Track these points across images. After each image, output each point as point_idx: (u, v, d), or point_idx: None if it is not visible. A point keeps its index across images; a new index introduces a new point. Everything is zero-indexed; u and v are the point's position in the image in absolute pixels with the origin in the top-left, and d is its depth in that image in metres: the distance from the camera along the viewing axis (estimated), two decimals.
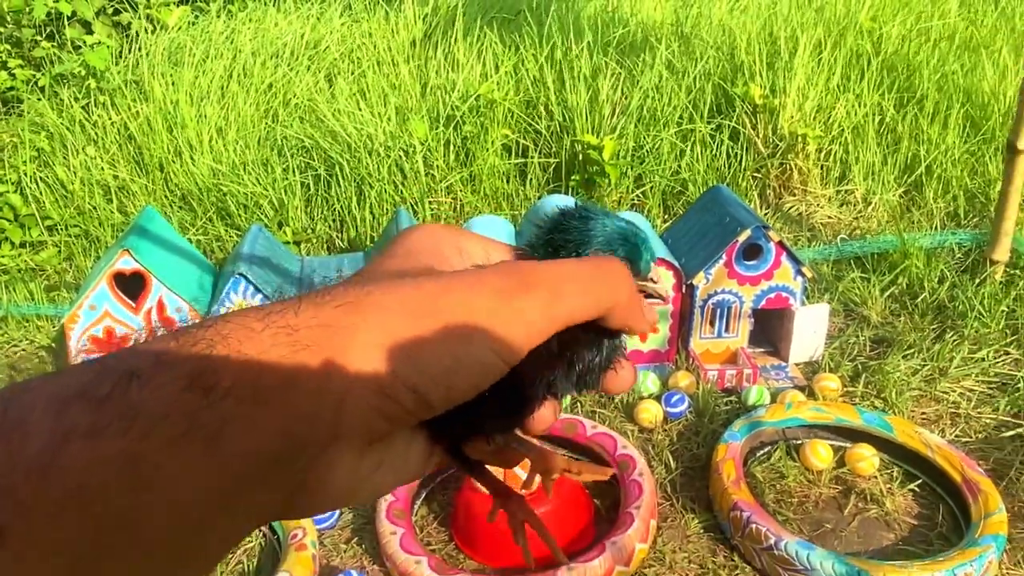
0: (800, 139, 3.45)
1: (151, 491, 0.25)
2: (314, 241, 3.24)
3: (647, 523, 1.87)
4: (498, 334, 0.32)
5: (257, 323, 0.29)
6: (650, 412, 2.30)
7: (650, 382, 2.44)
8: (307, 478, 0.30)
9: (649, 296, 0.42)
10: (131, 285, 2.32)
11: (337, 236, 3.26)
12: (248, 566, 1.94)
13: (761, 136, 3.51)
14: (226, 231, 3.25)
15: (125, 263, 2.28)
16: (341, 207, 3.24)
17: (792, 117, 3.49)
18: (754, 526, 1.82)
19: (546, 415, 0.38)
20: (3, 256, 3.18)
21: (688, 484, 2.10)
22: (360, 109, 3.46)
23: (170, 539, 0.26)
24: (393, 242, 0.36)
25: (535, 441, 0.40)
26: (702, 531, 1.96)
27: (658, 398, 2.37)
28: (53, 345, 2.77)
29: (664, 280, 0.39)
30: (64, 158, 3.43)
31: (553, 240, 0.40)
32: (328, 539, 1.99)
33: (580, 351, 0.38)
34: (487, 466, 0.40)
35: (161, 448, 0.25)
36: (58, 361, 2.68)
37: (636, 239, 0.40)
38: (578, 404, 2.40)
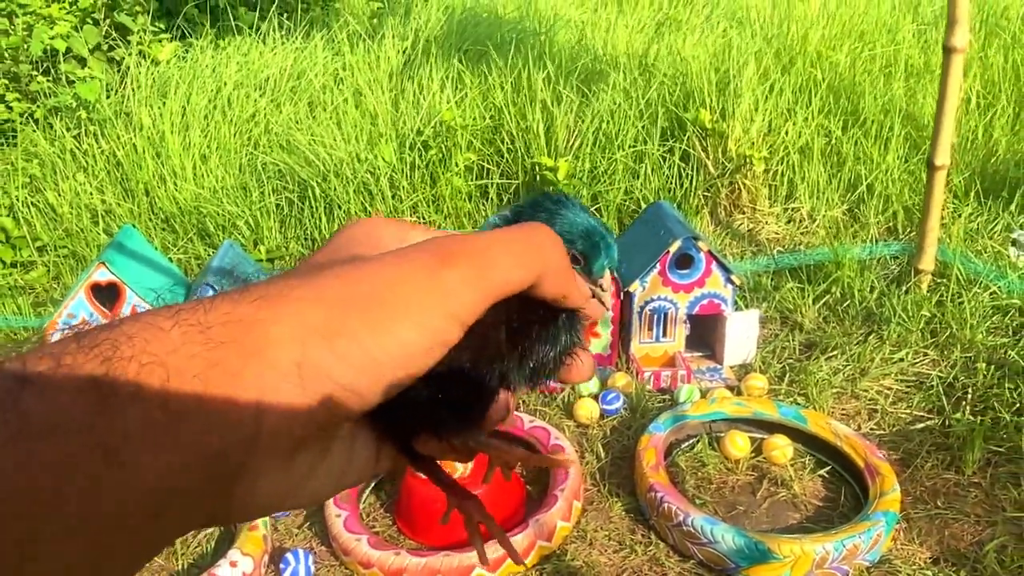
0: (747, 160, 3.66)
1: (48, 517, 0.23)
2: (287, 259, 3.44)
3: (570, 503, 2.04)
4: (424, 311, 0.30)
5: (166, 321, 0.27)
6: (587, 409, 2.48)
7: (591, 383, 2.62)
8: (230, 487, 0.28)
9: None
10: (108, 295, 2.52)
11: (309, 254, 3.46)
12: (207, 548, 2.10)
13: (711, 158, 3.71)
14: (205, 250, 3.46)
15: (101, 275, 2.48)
16: (312, 226, 3.45)
17: (740, 140, 3.70)
18: (666, 505, 1.99)
19: (500, 409, 0.37)
20: None
21: (616, 472, 2.27)
22: (335, 137, 3.69)
23: (77, 560, 0.24)
24: (333, 236, 0.35)
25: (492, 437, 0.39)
26: (624, 513, 2.12)
27: (596, 397, 2.54)
28: None
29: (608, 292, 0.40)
30: (55, 184, 3.66)
31: (522, 213, 0.39)
32: (282, 524, 2.16)
33: (533, 344, 0.36)
34: (439, 464, 0.39)
35: (54, 466, 0.23)
36: None
37: (599, 239, 0.39)
38: (521, 403, 2.57)
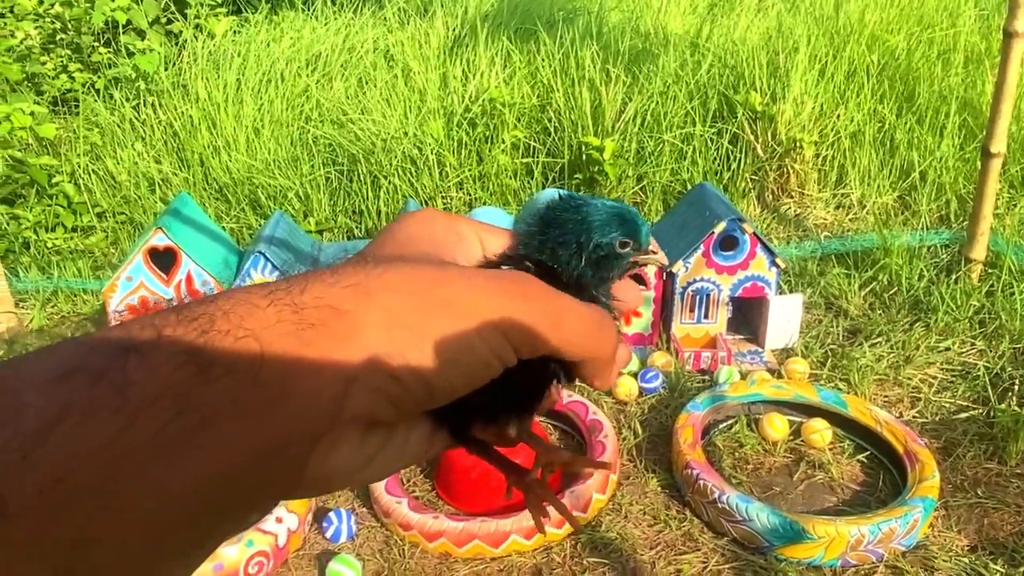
0: (797, 144, 3.61)
1: (139, 484, 0.24)
2: (335, 230, 3.51)
3: (606, 477, 2.08)
4: (496, 339, 0.31)
5: (261, 299, 0.28)
6: (626, 386, 2.50)
7: (630, 361, 2.64)
8: (306, 461, 0.29)
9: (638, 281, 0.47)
10: (164, 260, 2.61)
11: (356, 226, 3.53)
12: None
13: (760, 141, 3.68)
14: (256, 220, 3.54)
15: (159, 240, 2.56)
16: (360, 200, 3.51)
17: (790, 123, 3.66)
18: (702, 482, 2.01)
19: (550, 400, 0.39)
20: (57, 238, 3.51)
21: (652, 449, 2.29)
22: (384, 113, 3.74)
23: (160, 533, 0.25)
24: (392, 227, 0.36)
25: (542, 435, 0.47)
26: (660, 489, 2.15)
27: (635, 375, 2.56)
28: (96, 315, 3.08)
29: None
30: (114, 152, 3.77)
31: (549, 239, 0.40)
32: None
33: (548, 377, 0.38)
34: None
35: (151, 437, 0.24)
36: (99, 329, 2.99)
37: (631, 215, 0.41)
38: None
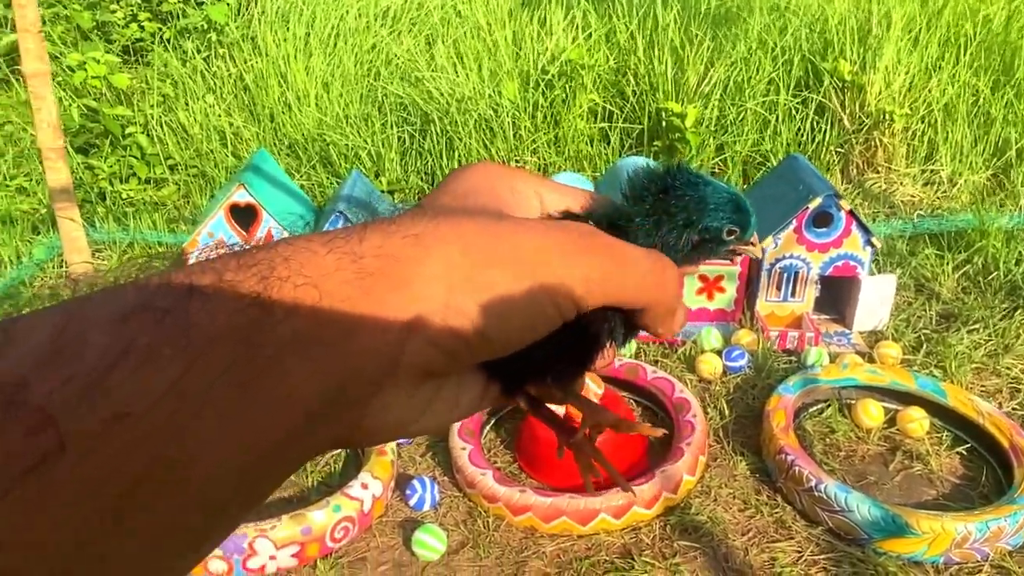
0: (887, 117, 3.46)
1: (198, 424, 0.24)
2: (406, 191, 3.46)
3: (696, 458, 2.02)
4: (561, 288, 0.31)
5: (321, 247, 0.28)
6: (711, 364, 2.43)
7: (713, 338, 2.56)
8: (363, 409, 0.29)
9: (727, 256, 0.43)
10: (245, 216, 2.58)
11: (428, 187, 3.47)
12: (334, 468, 2.18)
13: (847, 112, 3.53)
14: (327, 178, 3.51)
15: (240, 196, 2.54)
16: (432, 161, 3.45)
17: (880, 94, 3.50)
18: (797, 469, 1.94)
19: (603, 359, 0.39)
20: (131, 189, 3.52)
21: (739, 431, 2.23)
22: (456, 71, 3.66)
23: (214, 481, 0.25)
24: (450, 179, 0.36)
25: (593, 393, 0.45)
26: (748, 473, 2.09)
27: (719, 353, 2.49)
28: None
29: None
30: (186, 104, 3.75)
31: (663, 203, 0.39)
32: (405, 452, 2.21)
33: (606, 333, 0.38)
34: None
35: (214, 378, 0.24)
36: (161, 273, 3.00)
37: (746, 205, 0.41)
38: (642, 352, 2.55)
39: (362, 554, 1.91)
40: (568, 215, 0.38)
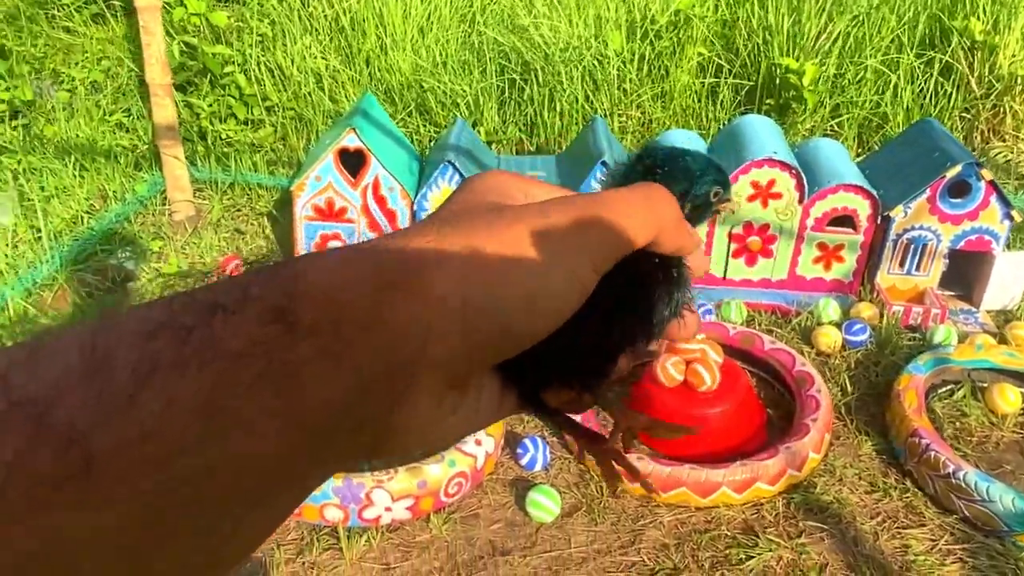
0: (1020, 81, 3.23)
1: (225, 440, 0.24)
2: (504, 142, 3.38)
3: (822, 435, 1.93)
4: (573, 261, 0.32)
5: (339, 262, 0.29)
6: (829, 337, 2.32)
7: (831, 310, 2.45)
8: (388, 417, 0.30)
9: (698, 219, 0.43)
10: (353, 162, 2.54)
11: (527, 139, 3.38)
12: None
13: (976, 74, 3.30)
14: (424, 127, 3.44)
15: (350, 140, 2.49)
16: (533, 111, 3.35)
17: (1014, 57, 3.26)
18: (932, 454, 1.84)
19: (691, 322, 0.39)
20: (229, 130, 3.51)
21: (863, 409, 2.13)
22: (558, 18, 3.53)
23: (242, 492, 0.25)
24: (459, 188, 0.37)
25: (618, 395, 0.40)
26: (874, 453, 1.99)
27: (839, 325, 2.38)
28: (273, 212, 3.08)
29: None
30: (283, 45, 3.71)
31: (657, 160, 0.40)
32: None
33: (652, 301, 0.38)
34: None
35: (238, 391, 0.25)
36: (278, 229, 2.99)
37: (720, 165, 0.42)
38: (755, 321, 2.45)
39: (474, 510, 1.89)
40: None
